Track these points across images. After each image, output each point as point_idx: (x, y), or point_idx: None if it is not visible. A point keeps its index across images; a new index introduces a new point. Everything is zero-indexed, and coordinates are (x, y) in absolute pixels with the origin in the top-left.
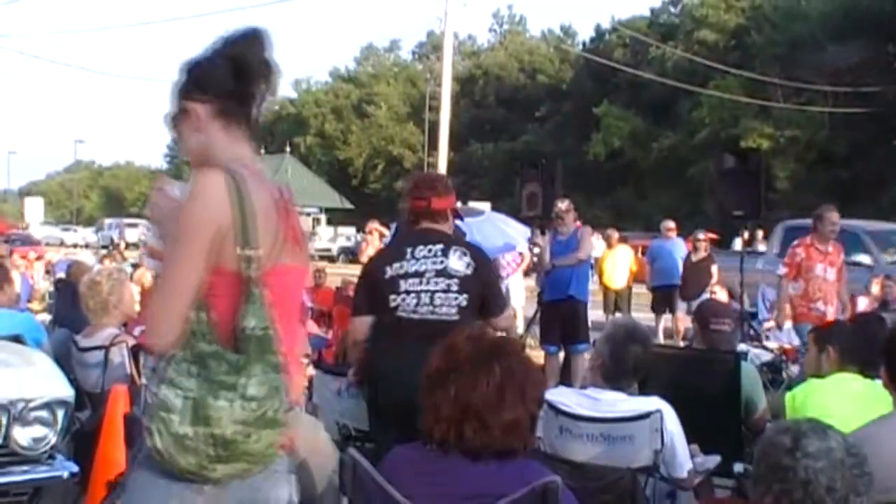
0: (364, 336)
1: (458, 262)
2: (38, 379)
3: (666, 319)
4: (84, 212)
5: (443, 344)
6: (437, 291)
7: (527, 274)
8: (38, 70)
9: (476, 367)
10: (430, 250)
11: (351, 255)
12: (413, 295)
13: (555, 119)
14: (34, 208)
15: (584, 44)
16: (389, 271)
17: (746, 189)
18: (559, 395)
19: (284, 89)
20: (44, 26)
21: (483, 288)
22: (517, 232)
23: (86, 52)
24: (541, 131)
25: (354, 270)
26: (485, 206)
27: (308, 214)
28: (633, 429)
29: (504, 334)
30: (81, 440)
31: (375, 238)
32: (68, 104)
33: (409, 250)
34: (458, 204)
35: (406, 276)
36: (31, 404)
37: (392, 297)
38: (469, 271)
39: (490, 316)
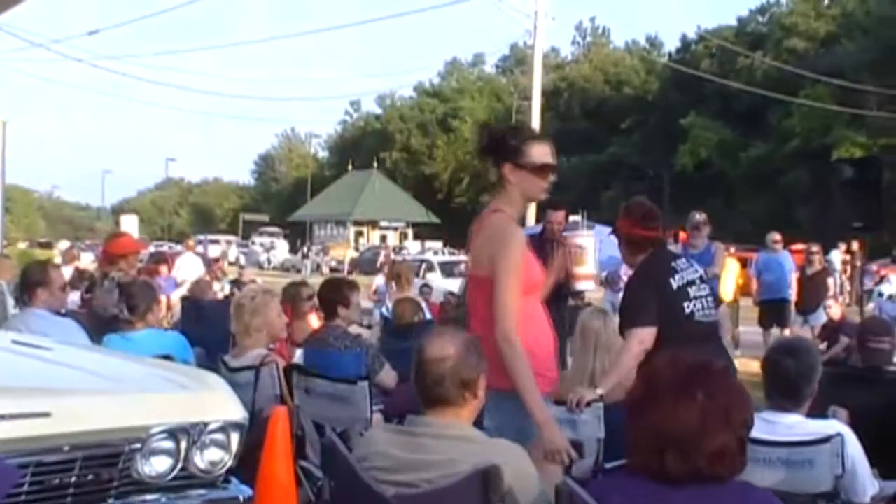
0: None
1: (702, 270)
2: (215, 401)
3: (774, 334)
4: (175, 228)
5: (644, 371)
6: (706, 296)
7: None
8: (135, 90)
9: (677, 393)
10: (684, 262)
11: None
12: (698, 300)
13: (641, 130)
14: (129, 226)
15: (669, 54)
16: (675, 283)
17: (866, 199)
18: None
19: (369, 105)
20: (147, 48)
21: None
22: None
23: (180, 72)
24: (627, 143)
25: (452, 285)
26: (574, 218)
27: (395, 228)
28: (813, 453)
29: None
30: (240, 461)
31: None
32: (160, 123)
33: (672, 264)
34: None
35: (689, 284)
36: (209, 427)
37: (686, 304)
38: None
39: None
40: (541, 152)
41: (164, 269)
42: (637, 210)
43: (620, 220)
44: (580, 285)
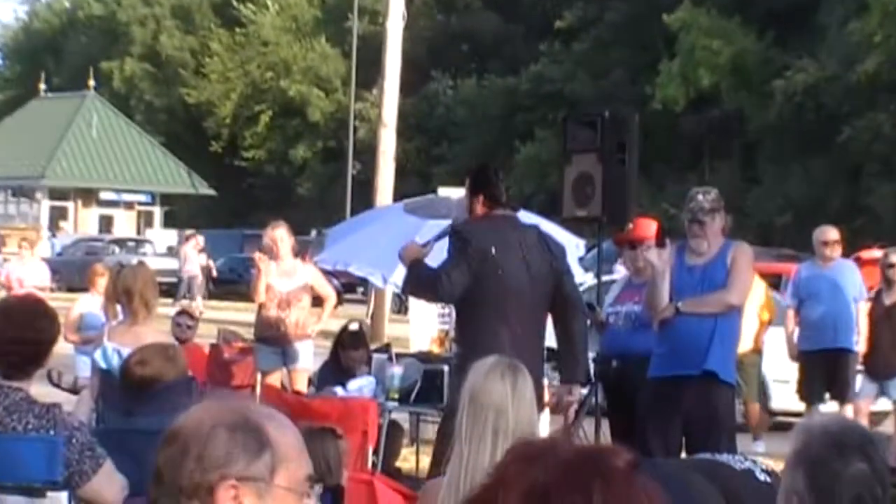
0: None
1: None
2: None
3: (825, 413)
4: None
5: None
6: None
7: None
8: None
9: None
10: None
11: (215, 284)
12: None
13: (591, 36)
14: None
15: None
16: None
17: None
18: None
19: None
20: None
21: None
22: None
23: None
24: (565, 58)
25: (232, 314)
26: (457, 192)
27: (129, 205)
28: None
29: None
30: None
31: (284, 251)
32: None
33: None
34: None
35: None
36: None
37: None
38: None
39: None
40: None
41: None
42: None
43: None
44: None
